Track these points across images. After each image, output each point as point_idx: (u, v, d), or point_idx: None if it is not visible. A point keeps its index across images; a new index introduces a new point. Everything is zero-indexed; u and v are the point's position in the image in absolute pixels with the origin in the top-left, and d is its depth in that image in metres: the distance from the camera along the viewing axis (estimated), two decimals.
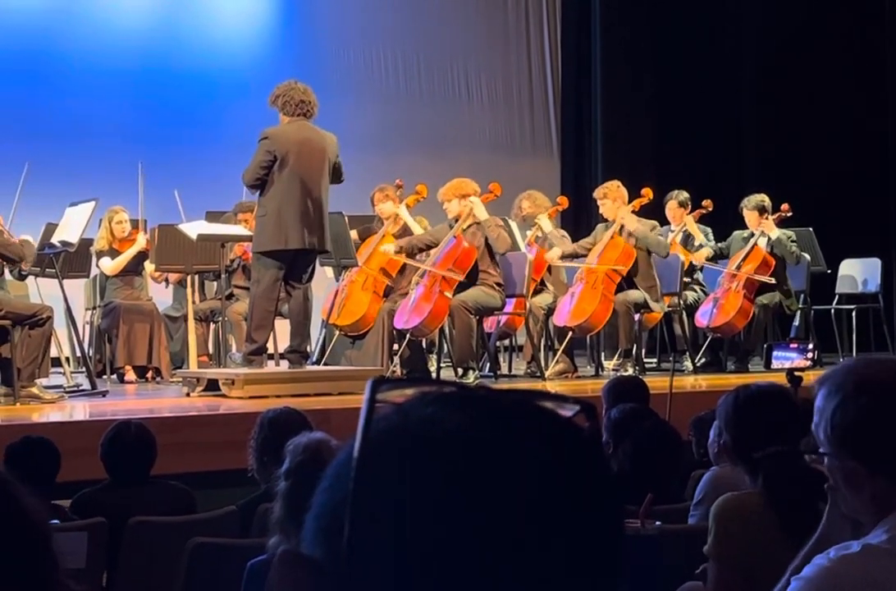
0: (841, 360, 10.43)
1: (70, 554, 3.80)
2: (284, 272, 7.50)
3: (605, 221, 9.42)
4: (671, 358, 7.48)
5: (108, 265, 9.26)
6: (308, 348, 8.62)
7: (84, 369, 8.39)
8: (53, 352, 8.06)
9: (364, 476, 0.77)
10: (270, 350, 7.91)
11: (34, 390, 7.20)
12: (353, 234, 9.05)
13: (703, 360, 9.67)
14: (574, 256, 9.27)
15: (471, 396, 0.82)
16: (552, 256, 9.20)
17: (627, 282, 9.08)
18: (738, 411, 3.18)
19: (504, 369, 9.68)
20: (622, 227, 9.16)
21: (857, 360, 1.85)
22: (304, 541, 0.81)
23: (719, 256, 9.85)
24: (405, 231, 9.18)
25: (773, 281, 9.48)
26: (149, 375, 9.10)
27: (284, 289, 7.60)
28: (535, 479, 0.77)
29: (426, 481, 0.76)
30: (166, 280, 9.90)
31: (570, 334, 8.98)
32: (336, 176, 7.63)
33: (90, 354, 9.09)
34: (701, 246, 9.87)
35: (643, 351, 9.49)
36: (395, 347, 8.67)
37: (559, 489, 0.78)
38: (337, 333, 8.93)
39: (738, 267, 9.51)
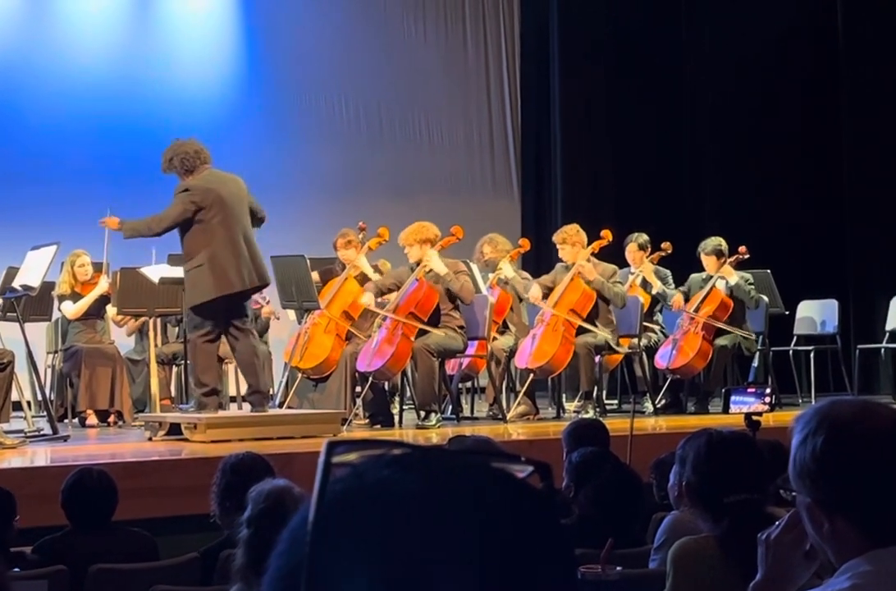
0: (800, 401, 10.52)
1: None
2: (224, 313, 7.49)
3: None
4: (631, 400, 7.52)
5: (71, 309, 9.24)
6: (269, 390, 8.60)
7: (45, 413, 8.35)
8: (14, 396, 8.02)
9: (320, 540, 0.77)
10: (232, 393, 7.88)
11: None
12: (315, 275, 9.02)
13: (663, 401, 9.68)
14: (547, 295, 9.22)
15: (426, 457, 0.82)
16: (534, 294, 9.16)
17: (588, 324, 9.09)
18: (711, 453, 3.18)
19: (466, 412, 9.68)
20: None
21: (828, 400, 1.87)
22: None
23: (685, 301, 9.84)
24: (366, 276, 9.17)
25: (727, 328, 9.47)
26: (111, 418, 9.05)
27: (227, 330, 7.57)
28: (490, 541, 0.78)
29: (382, 545, 0.77)
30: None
31: (532, 376, 9.00)
32: (257, 220, 7.60)
33: (51, 398, 9.04)
34: (660, 294, 9.86)
35: (604, 393, 9.51)
36: (358, 389, 8.66)
37: (514, 551, 0.79)
38: (300, 376, 8.92)
39: (697, 309, 9.56)
